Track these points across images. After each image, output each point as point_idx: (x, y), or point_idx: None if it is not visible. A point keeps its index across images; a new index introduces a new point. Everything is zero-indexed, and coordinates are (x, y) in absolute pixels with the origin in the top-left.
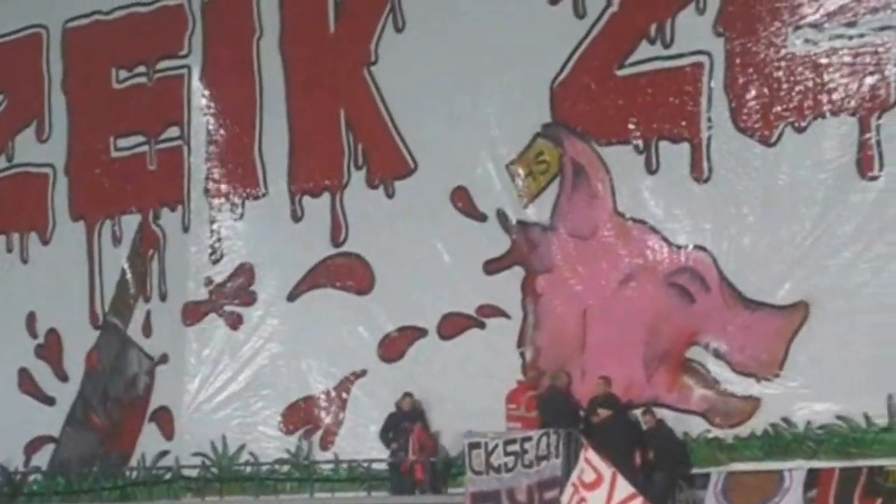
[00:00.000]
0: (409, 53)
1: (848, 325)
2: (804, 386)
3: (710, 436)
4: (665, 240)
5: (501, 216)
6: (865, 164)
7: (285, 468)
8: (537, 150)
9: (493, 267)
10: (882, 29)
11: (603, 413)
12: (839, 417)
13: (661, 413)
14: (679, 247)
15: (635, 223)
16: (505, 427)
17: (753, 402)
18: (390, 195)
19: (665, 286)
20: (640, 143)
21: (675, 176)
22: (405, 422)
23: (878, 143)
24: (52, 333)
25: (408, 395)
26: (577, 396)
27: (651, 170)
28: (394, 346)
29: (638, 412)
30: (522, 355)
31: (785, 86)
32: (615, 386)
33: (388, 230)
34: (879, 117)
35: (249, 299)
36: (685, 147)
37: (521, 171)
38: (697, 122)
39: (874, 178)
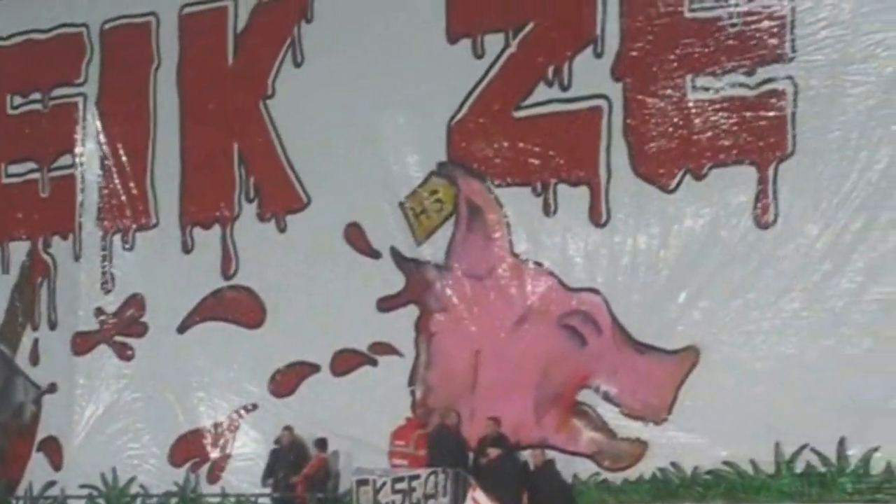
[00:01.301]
0: (306, 88)
1: (737, 372)
2: (692, 431)
3: (599, 478)
4: (560, 282)
5: (395, 254)
6: (762, 212)
7: (173, 501)
8: (431, 187)
9: (386, 305)
10: (780, 79)
11: (492, 453)
12: (726, 463)
13: (550, 455)
14: (573, 289)
15: (531, 265)
16: (389, 464)
17: (642, 446)
18: (282, 229)
19: (558, 328)
20: (538, 185)
21: (572, 219)
22: (288, 455)
23: (775, 191)
24: None
25: (287, 428)
26: (466, 436)
27: (548, 212)
28: (285, 381)
29: (527, 453)
30: (413, 393)
31: (684, 133)
32: (505, 426)
33: (280, 264)
34: (777, 166)
35: (139, 330)
36: (584, 190)
37: (414, 208)
38: (596, 166)
39: (769, 226)
